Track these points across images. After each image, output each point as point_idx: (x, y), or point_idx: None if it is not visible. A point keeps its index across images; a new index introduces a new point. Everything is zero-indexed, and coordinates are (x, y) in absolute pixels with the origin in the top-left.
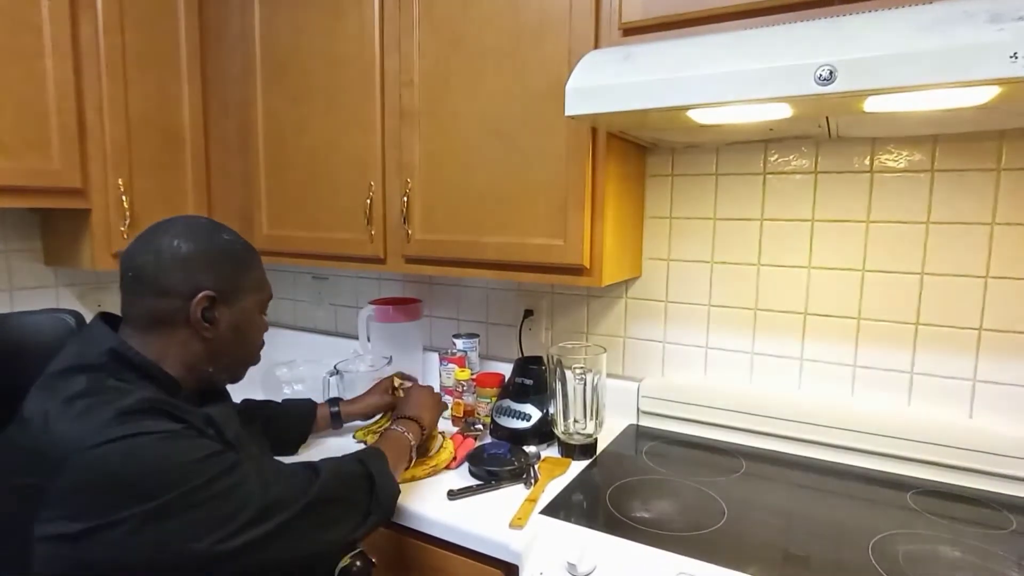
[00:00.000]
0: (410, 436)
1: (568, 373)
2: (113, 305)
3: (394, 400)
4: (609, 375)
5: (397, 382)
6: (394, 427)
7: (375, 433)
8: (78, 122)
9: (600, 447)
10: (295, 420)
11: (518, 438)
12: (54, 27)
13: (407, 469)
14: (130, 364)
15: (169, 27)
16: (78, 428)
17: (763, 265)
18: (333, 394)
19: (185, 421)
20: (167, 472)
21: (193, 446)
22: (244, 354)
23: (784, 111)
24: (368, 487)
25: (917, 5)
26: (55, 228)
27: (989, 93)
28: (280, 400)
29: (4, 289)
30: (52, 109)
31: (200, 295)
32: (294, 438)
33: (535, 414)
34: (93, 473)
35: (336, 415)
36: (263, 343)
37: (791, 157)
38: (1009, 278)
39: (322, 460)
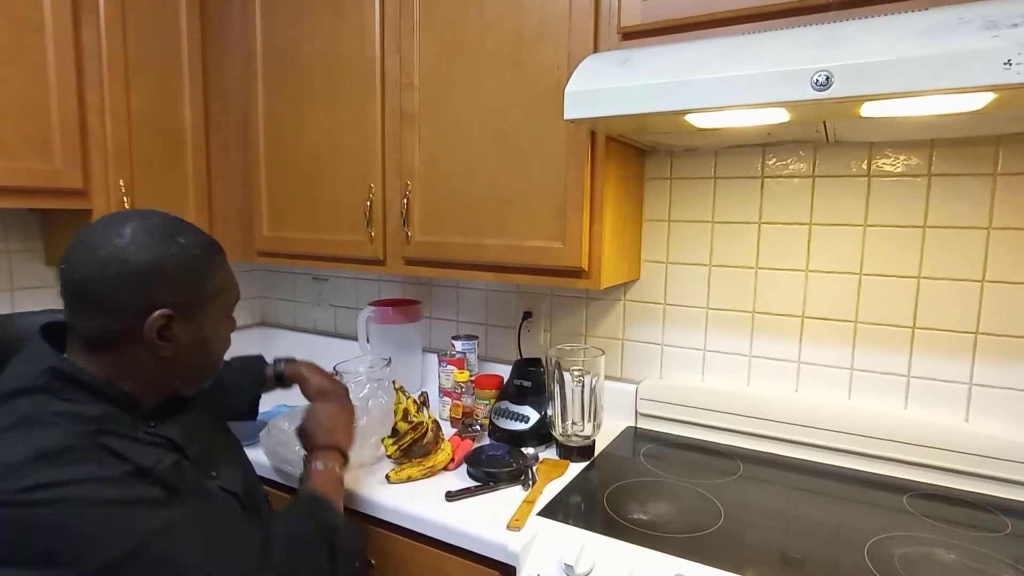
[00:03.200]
0: (337, 468)
1: (566, 375)
2: None
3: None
4: (607, 377)
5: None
6: (316, 463)
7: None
8: (80, 123)
9: (598, 449)
10: (244, 383)
11: (516, 440)
12: (56, 28)
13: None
14: (76, 382)
15: (171, 29)
16: None
17: (761, 268)
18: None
19: (125, 458)
20: (96, 533)
21: (126, 500)
22: (208, 364)
23: (781, 116)
24: (329, 552)
25: (913, 11)
26: (56, 228)
27: (984, 99)
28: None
29: (5, 289)
30: (54, 110)
31: (155, 314)
32: (244, 403)
33: (533, 416)
34: (12, 528)
35: (280, 377)
36: (229, 345)
37: (789, 161)
38: (1005, 282)
39: (274, 520)
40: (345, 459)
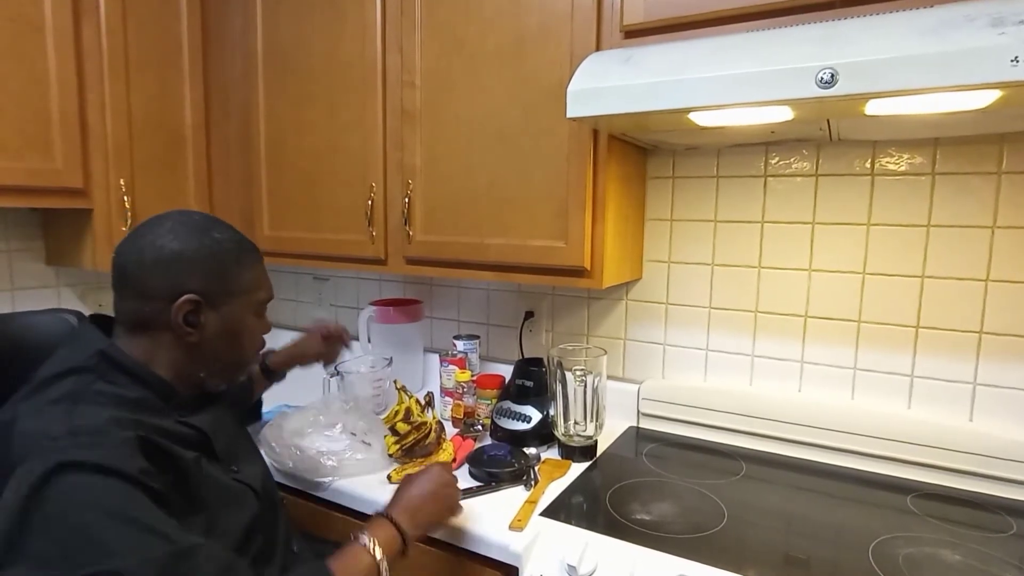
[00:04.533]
0: (377, 553)
1: (568, 375)
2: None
3: (326, 351)
4: (609, 377)
5: (335, 329)
6: (362, 536)
7: (402, 460)
8: (80, 122)
9: (600, 449)
10: (236, 391)
11: (518, 440)
12: (57, 28)
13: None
14: (121, 367)
15: (171, 28)
16: (28, 443)
17: (764, 267)
18: (334, 394)
19: (148, 451)
20: (102, 538)
21: (126, 516)
22: (235, 359)
23: (785, 114)
24: None
25: (918, 8)
26: (57, 228)
27: (990, 97)
28: None
29: (6, 289)
30: (55, 109)
31: (182, 299)
32: (241, 409)
33: (535, 416)
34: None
35: (265, 369)
36: (262, 344)
37: (792, 159)
38: (1010, 281)
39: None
40: (404, 547)
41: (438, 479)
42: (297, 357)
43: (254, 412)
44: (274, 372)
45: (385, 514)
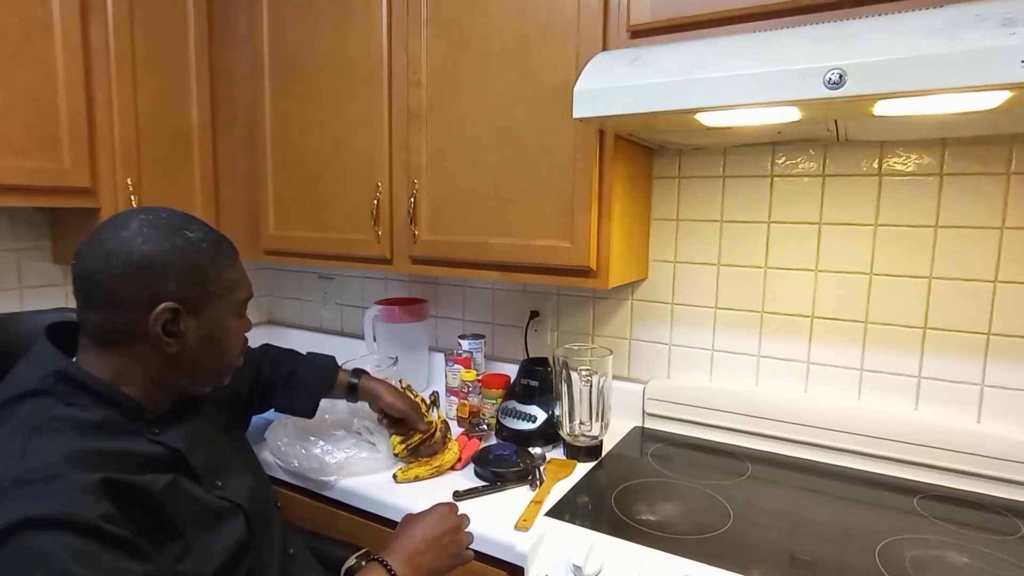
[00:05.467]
0: None
1: (574, 375)
2: None
3: (410, 418)
4: (615, 377)
5: (420, 421)
6: None
7: (408, 460)
8: (88, 122)
9: (605, 449)
10: (312, 382)
11: (523, 439)
12: (65, 27)
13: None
14: (82, 386)
15: (178, 27)
16: None
17: (770, 268)
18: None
19: (120, 484)
20: None
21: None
22: (220, 364)
23: (793, 114)
24: None
25: (927, 8)
26: (64, 227)
27: (1000, 97)
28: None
29: (14, 288)
30: (62, 109)
31: (159, 308)
32: (309, 401)
33: (540, 415)
34: None
35: (353, 388)
36: (244, 344)
37: (799, 160)
38: (1018, 283)
39: None
40: None
41: (444, 522)
42: (376, 399)
43: (314, 410)
44: (355, 393)
45: (381, 559)
